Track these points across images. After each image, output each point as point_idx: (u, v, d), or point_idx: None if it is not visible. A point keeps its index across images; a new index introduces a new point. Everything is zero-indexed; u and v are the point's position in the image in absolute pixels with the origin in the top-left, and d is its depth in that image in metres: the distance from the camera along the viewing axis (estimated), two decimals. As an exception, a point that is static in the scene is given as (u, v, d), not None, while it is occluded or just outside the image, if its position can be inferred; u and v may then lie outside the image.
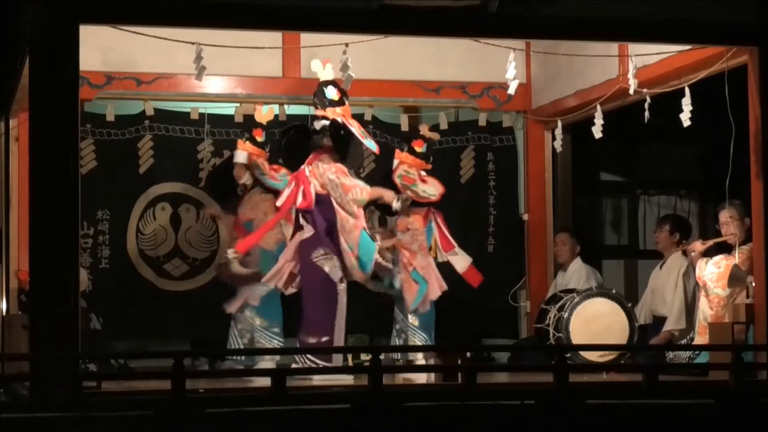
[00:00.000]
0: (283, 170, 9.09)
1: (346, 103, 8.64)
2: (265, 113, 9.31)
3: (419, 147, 9.16)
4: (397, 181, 9.08)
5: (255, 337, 8.89)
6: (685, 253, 9.29)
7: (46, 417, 6.29)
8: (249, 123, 10.10)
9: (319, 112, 8.60)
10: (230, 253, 8.68)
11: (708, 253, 8.67)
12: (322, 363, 8.16)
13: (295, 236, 8.61)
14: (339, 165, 8.51)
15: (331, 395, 7.09)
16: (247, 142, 9.18)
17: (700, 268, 8.54)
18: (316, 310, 8.42)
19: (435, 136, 9.39)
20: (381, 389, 6.71)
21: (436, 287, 9.14)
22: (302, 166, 8.58)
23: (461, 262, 9.27)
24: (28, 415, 6.32)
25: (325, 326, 8.39)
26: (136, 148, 9.93)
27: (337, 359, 8.36)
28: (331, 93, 8.56)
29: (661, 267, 9.49)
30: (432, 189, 9.16)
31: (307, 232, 8.53)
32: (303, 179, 8.53)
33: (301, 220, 8.59)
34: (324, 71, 8.65)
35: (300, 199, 8.50)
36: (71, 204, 7.01)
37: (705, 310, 8.44)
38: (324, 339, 8.36)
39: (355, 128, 8.59)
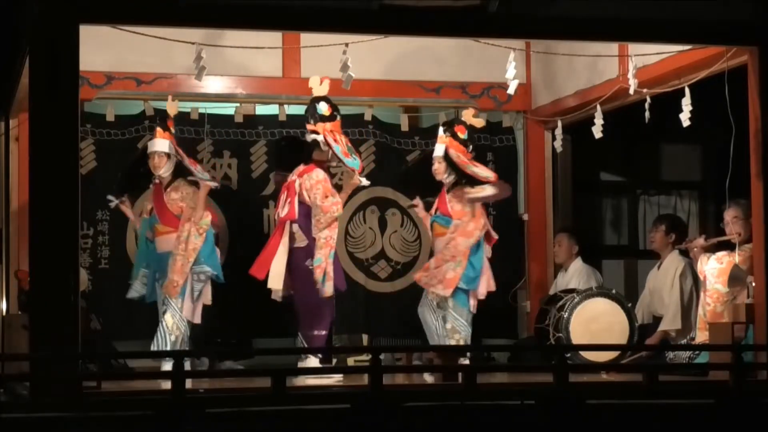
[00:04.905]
0: (199, 166, 8.92)
1: (338, 118, 8.84)
2: (173, 103, 8.89)
3: (462, 133, 8.90)
4: (455, 159, 8.79)
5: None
6: (682, 253, 9.28)
7: (46, 417, 6.29)
8: (249, 123, 10.12)
9: (310, 127, 8.80)
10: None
11: (710, 250, 8.67)
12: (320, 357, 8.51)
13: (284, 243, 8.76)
14: (326, 183, 8.71)
15: (331, 395, 7.09)
16: (166, 131, 8.76)
17: (702, 262, 8.56)
18: (315, 308, 8.70)
19: (479, 123, 9.18)
20: (381, 389, 6.71)
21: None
22: (293, 177, 8.81)
23: None
24: (28, 415, 6.32)
25: (325, 321, 8.76)
26: (136, 148, 9.91)
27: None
28: (323, 108, 8.79)
29: (658, 267, 9.47)
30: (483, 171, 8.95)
31: (300, 241, 8.73)
32: (291, 190, 8.76)
33: (294, 229, 8.75)
34: (320, 87, 8.84)
35: (285, 209, 8.76)
36: (71, 204, 7.01)
37: (704, 304, 8.46)
38: (324, 333, 8.70)
39: (341, 145, 8.77)
